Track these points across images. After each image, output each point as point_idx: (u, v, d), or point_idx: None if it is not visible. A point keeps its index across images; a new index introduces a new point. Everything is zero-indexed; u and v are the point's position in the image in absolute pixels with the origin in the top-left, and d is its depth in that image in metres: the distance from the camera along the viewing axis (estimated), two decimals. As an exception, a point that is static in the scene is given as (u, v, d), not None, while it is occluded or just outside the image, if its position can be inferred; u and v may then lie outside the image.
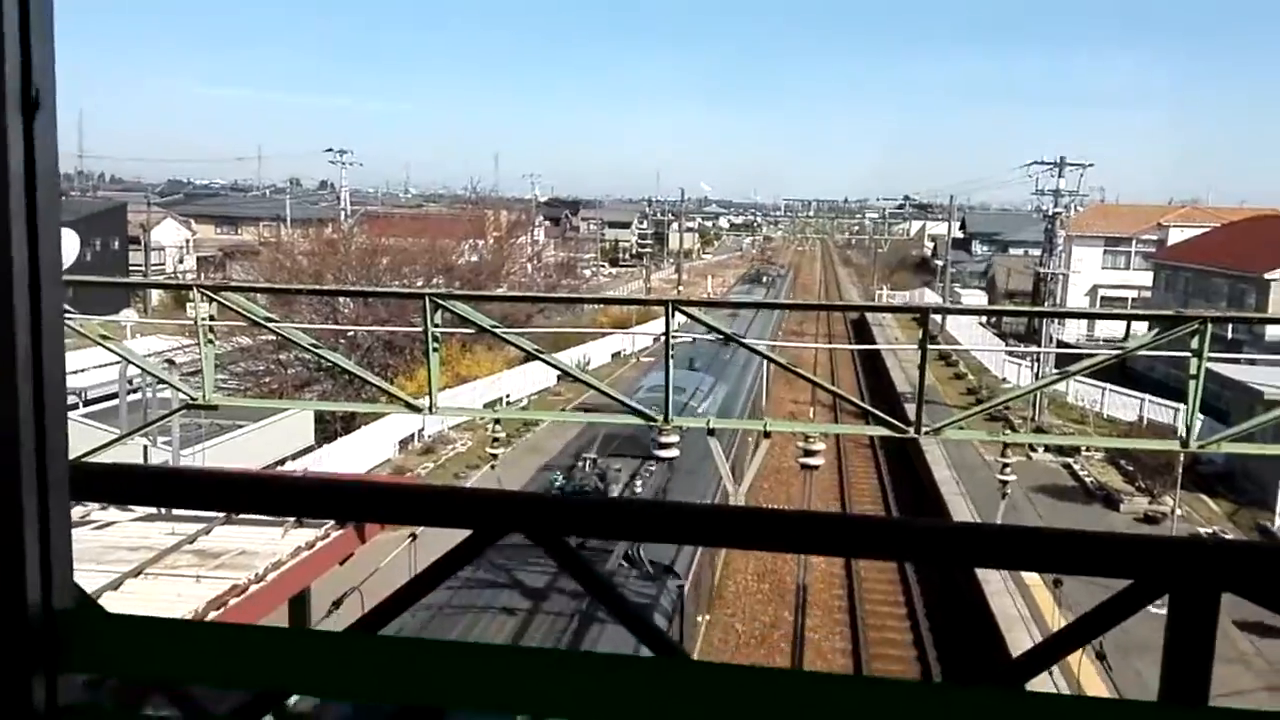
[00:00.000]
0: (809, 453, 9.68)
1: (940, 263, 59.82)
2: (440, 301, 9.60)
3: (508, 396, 33.74)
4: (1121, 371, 33.83)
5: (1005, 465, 9.96)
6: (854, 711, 1.45)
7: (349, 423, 30.10)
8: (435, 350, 9.84)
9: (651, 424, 9.74)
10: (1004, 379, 38.44)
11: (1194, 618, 1.76)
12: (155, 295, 58.39)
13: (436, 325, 9.63)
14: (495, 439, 10.57)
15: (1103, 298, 50.60)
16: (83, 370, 29.78)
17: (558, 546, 1.99)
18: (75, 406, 30.10)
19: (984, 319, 51.14)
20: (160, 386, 18.14)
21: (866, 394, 40.08)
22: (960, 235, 76.22)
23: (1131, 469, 25.45)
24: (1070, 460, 27.55)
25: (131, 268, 58.98)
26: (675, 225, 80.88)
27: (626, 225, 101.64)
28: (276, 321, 10.12)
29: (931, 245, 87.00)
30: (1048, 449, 28.60)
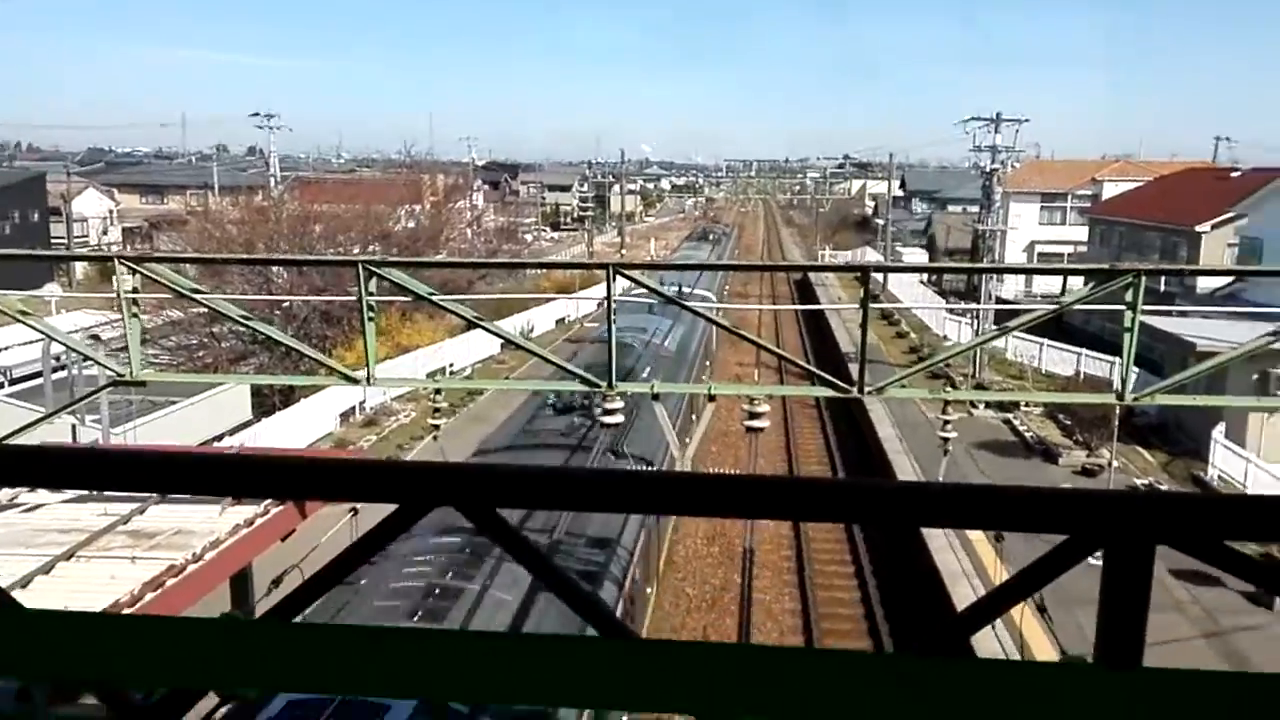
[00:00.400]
0: (754, 415, 9.58)
1: (881, 221, 60.22)
2: (374, 269, 9.25)
3: (451, 366, 33.25)
4: (1058, 327, 34.41)
5: (946, 423, 9.97)
6: (798, 685, 1.35)
7: (288, 396, 29.41)
8: (371, 319, 9.51)
9: (594, 389, 9.54)
10: (945, 337, 38.89)
11: (1128, 570, 1.76)
12: (80, 269, 56.50)
13: (371, 294, 9.29)
14: (436, 409, 10.31)
15: (1039, 254, 51.38)
16: (5, 349, 28.65)
17: (490, 520, 1.84)
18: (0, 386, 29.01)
19: (925, 277, 51.65)
20: (87, 363, 17.44)
21: (811, 355, 40.34)
22: (900, 194, 76.79)
23: (1069, 423, 25.92)
24: (1010, 416, 27.99)
25: (53, 240, 56.86)
26: (616, 188, 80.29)
27: (567, 188, 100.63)
28: (204, 293, 9.68)
29: (873, 204, 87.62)
30: (988, 405, 29.04)
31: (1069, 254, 48.99)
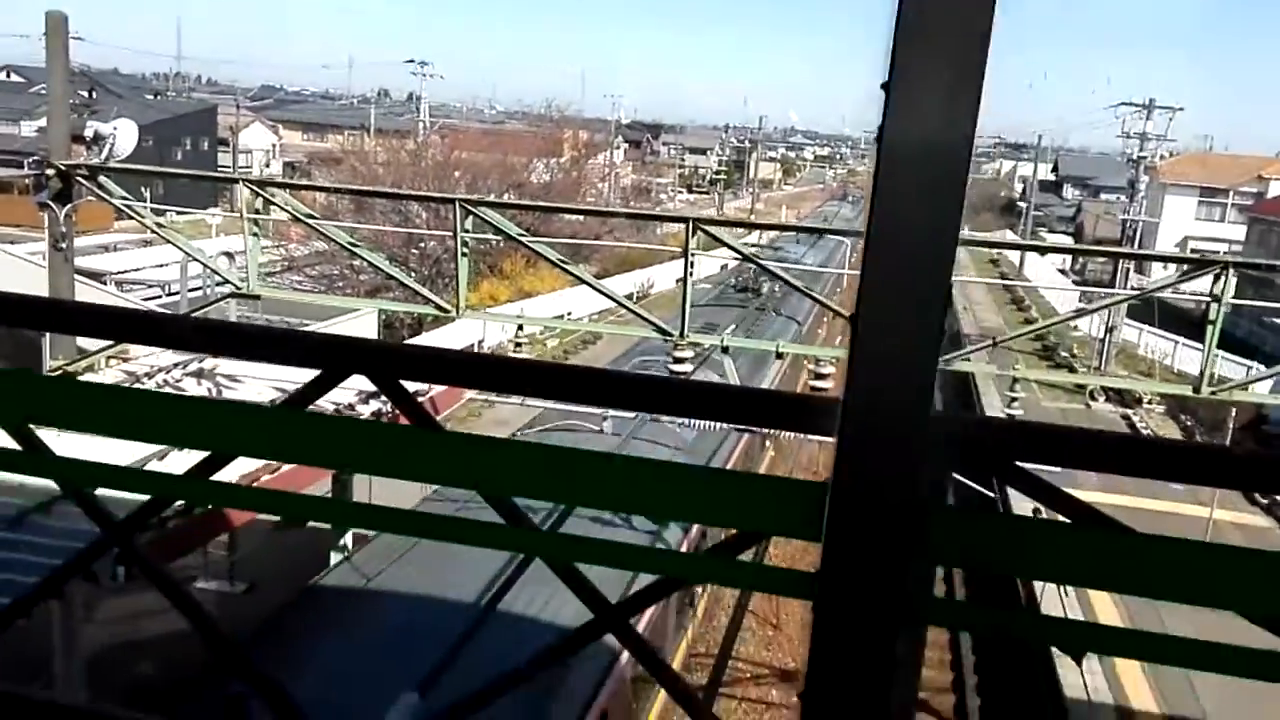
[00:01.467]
0: (819, 375, 9.85)
1: (1022, 204, 58.08)
2: (470, 208, 9.91)
3: (569, 313, 34.20)
4: (1200, 326, 32.79)
5: (1013, 399, 10.00)
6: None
7: (416, 329, 30.94)
8: (464, 255, 10.18)
9: (667, 339, 10.00)
10: (1074, 326, 37.51)
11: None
12: (244, 194, 60.15)
13: (467, 231, 9.96)
14: (518, 344, 10.96)
15: (1191, 249, 48.72)
16: (164, 264, 31.14)
17: (395, 389, 2.32)
18: (158, 296, 31.59)
19: (1065, 264, 49.75)
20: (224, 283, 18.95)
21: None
22: (1052, 178, 73.75)
23: (1190, 424, 24.92)
24: (1130, 412, 27.08)
25: (219, 168, 60.63)
26: (755, 154, 79.80)
27: (708, 152, 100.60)
28: (315, 218, 10.56)
29: (1021, 187, 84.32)
30: (1108, 399, 28.13)
31: (1224, 251, 46.31)
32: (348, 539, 13.20)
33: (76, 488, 2.34)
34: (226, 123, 63.78)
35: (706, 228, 9.72)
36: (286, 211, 9.89)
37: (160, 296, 29.17)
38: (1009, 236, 61.04)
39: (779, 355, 9.89)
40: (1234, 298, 10.21)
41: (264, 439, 2.10)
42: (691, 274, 9.77)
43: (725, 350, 9.87)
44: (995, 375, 14.55)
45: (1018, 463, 2.14)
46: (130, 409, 2.21)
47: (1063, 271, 47.77)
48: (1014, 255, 49.80)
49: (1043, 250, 41.50)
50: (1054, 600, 10.95)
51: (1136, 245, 31.71)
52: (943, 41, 1.22)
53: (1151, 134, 29.62)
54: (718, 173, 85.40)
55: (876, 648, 1.31)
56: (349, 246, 10.66)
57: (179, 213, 44.12)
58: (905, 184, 1.26)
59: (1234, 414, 18.01)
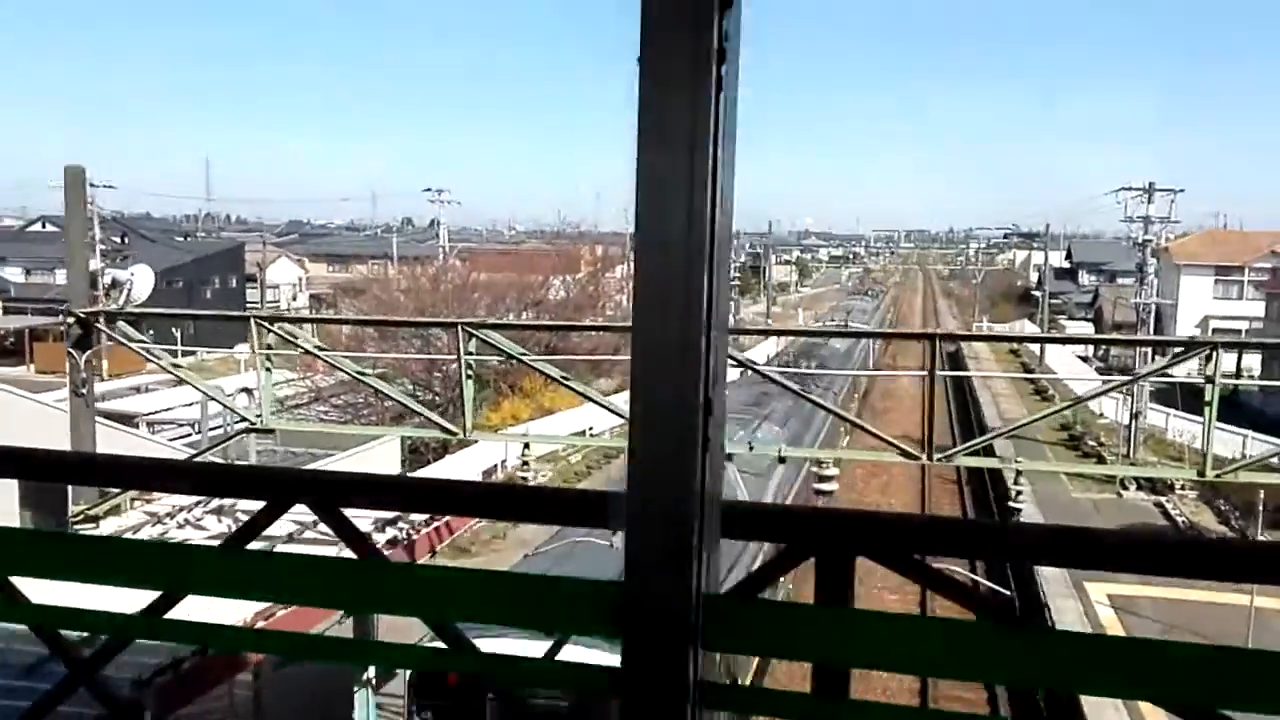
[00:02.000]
0: (822, 478, 9.91)
1: (1037, 293, 58.34)
2: (471, 330, 10.23)
3: (591, 428, 34.41)
4: (1232, 406, 32.49)
5: (1018, 492, 10.00)
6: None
7: (441, 454, 31.17)
8: (469, 377, 10.46)
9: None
10: (1100, 414, 37.22)
11: (834, 574, 2.21)
12: (253, 331, 61.60)
13: (470, 353, 10.26)
14: (525, 463, 11.12)
15: (1214, 329, 48.54)
16: (192, 403, 31.84)
17: (336, 517, 2.50)
18: (187, 435, 32.17)
19: (1088, 352, 49.68)
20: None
21: (957, 426, 39.44)
22: (1066, 265, 74.12)
23: (1225, 508, 24.47)
24: (1163, 499, 26.63)
25: (248, 304, 62.27)
26: (770, 258, 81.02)
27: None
28: (326, 349, 10.93)
29: (1037, 276, 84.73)
30: (1140, 487, 27.75)
31: (1245, 330, 46.10)
32: (370, 673, 13.14)
33: (48, 630, 2.51)
34: (254, 259, 65.78)
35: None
36: (295, 345, 10.26)
37: (190, 434, 29.71)
38: (1027, 326, 61.10)
39: (781, 460, 9.96)
40: (1261, 377, 10.23)
41: (208, 577, 2.27)
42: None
43: (729, 457, 9.97)
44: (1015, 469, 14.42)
45: (915, 555, 2.28)
46: (94, 556, 2.41)
47: (1084, 359, 47.63)
48: (1035, 345, 49.84)
49: (1028, 340, 41.72)
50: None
51: (1152, 328, 31.71)
52: (677, 140, 1.38)
53: (1155, 217, 29.95)
54: (734, 279, 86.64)
55: None
56: (357, 376, 11.00)
57: (208, 351, 45.27)
58: (659, 274, 1.41)
59: (1260, 495, 17.70)
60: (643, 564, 1.43)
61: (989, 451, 29.94)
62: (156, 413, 36.52)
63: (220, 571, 2.12)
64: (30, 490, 10.71)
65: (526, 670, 1.94)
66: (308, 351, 10.52)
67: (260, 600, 2.21)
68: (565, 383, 10.59)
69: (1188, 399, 32.34)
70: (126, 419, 34.54)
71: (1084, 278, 77.88)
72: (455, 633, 2.20)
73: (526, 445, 11.90)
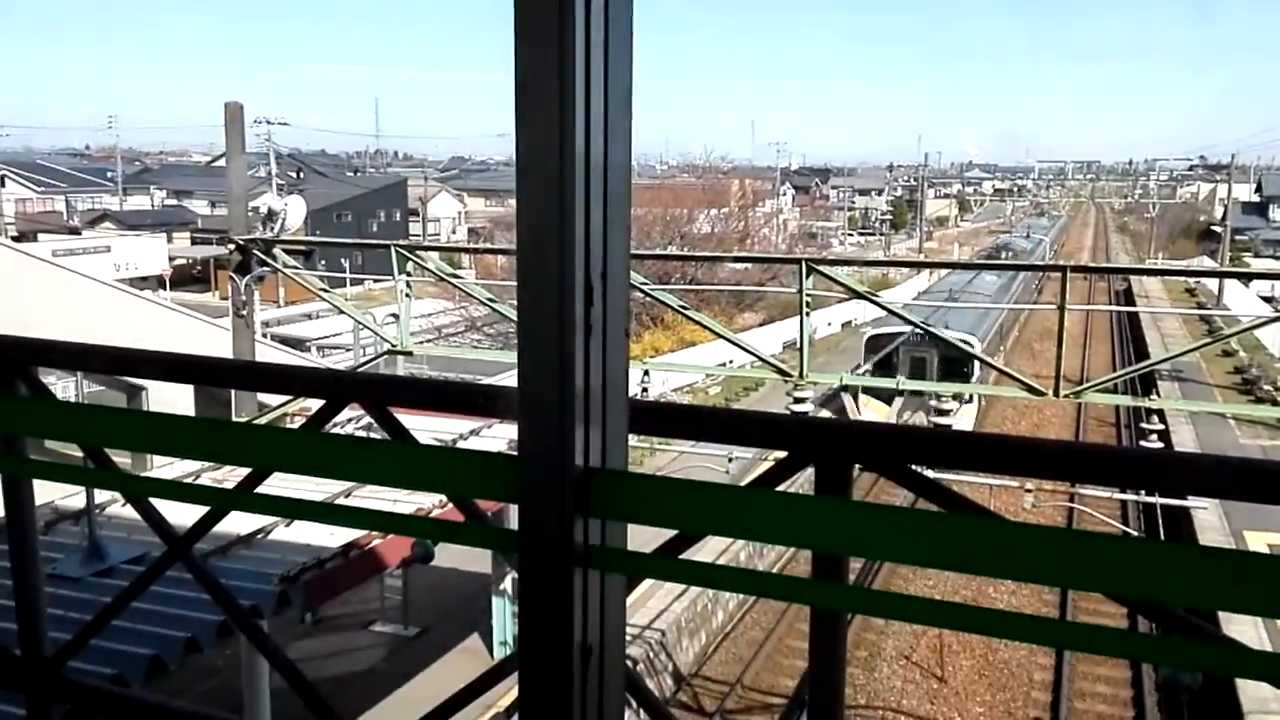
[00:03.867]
0: (940, 411, 9.81)
1: (1220, 229, 54.29)
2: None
3: (731, 361, 34.57)
4: None
5: (1150, 431, 9.63)
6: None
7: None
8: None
9: (787, 379, 10.25)
10: (1278, 357, 34.70)
11: (832, 481, 2.36)
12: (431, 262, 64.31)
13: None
14: (644, 389, 11.44)
15: None
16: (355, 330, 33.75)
17: (386, 415, 2.82)
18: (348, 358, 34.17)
19: (1275, 290, 46.11)
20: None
21: (1120, 368, 37.57)
22: (1256, 199, 68.49)
23: None
24: (1343, 447, 24.77)
25: (412, 236, 64.95)
26: (927, 192, 78.19)
27: (880, 192, 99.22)
28: (460, 279, 11.49)
29: (1223, 210, 78.63)
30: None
31: None
32: (506, 583, 13.94)
33: (139, 499, 2.94)
34: (416, 194, 68.36)
35: (819, 267, 9.96)
36: (431, 272, 10.85)
37: (347, 358, 31.64)
38: (1205, 263, 57.02)
39: (899, 392, 9.92)
40: None
41: (279, 455, 2.63)
42: (808, 313, 10.00)
43: (844, 388, 10.03)
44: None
45: (911, 465, 2.40)
46: (178, 433, 2.80)
47: (1267, 299, 44.26)
48: (1212, 284, 46.64)
49: (1152, 273, 38.82)
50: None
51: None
52: (546, 55, 1.49)
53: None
54: (886, 213, 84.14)
55: (559, 588, 1.65)
56: (487, 302, 11.52)
57: (375, 280, 47.62)
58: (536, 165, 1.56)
59: None
60: (532, 440, 1.65)
61: (1145, 391, 28.49)
62: (326, 338, 38.97)
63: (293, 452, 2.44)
64: (200, 403, 11.81)
65: (448, 528, 2.21)
66: (443, 278, 11.09)
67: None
68: (683, 312, 10.79)
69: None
70: (299, 343, 37.03)
71: (1275, 213, 71.82)
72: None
73: (646, 373, 12.21)
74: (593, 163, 1.57)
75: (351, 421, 8.64)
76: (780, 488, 2.30)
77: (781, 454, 2.44)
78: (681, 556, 2.03)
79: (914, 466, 2.39)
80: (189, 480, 9.12)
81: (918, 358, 20.49)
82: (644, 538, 1.88)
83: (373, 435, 2.81)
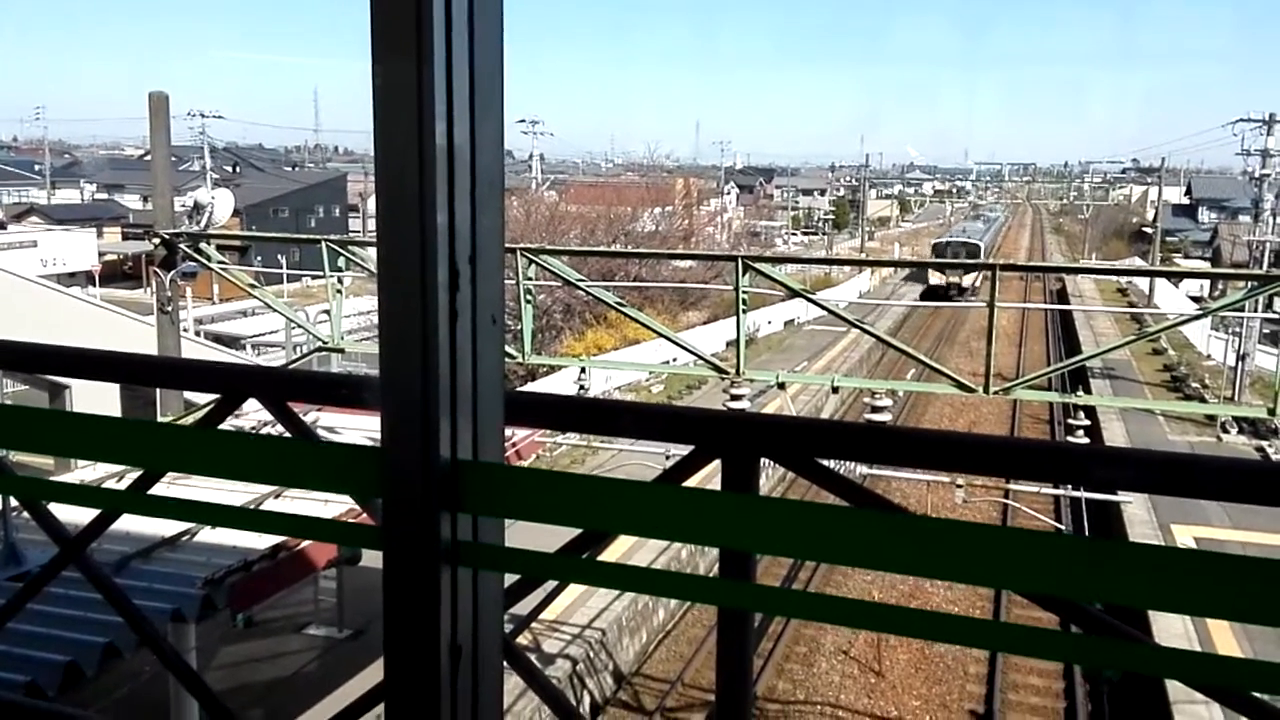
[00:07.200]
0: (875, 409, 9.89)
1: (1151, 231, 55.81)
2: (531, 257, 10.45)
3: (674, 359, 34.61)
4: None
5: (1076, 427, 9.82)
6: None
7: (529, 379, 31.88)
8: (529, 303, 10.71)
9: (724, 376, 10.25)
10: (1208, 355, 35.75)
11: (739, 475, 2.29)
12: (325, 254, 63.52)
13: (529, 279, 10.50)
14: (582, 387, 11.38)
15: (1341, 270, 45.72)
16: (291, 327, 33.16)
17: (283, 410, 2.71)
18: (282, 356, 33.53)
19: (1203, 291, 47.55)
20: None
21: (1053, 364, 38.40)
22: (1185, 201, 70.46)
23: (1329, 454, 23.38)
24: (1265, 444, 25.57)
25: (351, 232, 64.04)
26: (869, 193, 79.15)
27: (823, 192, 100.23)
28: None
29: (1153, 212, 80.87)
30: (1241, 430, 26.69)
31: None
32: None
33: (32, 502, 2.80)
34: (356, 189, 67.38)
35: (756, 265, 9.97)
36: (364, 268, 10.66)
37: (282, 355, 31.09)
38: (1137, 263, 58.51)
39: (834, 389, 9.98)
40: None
41: (173, 456, 2.51)
42: (746, 311, 10.01)
43: (781, 386, 10.05)
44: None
45: (817, 459, 2.35)
46: (77, 433, 2.67)
47: (1196, 299, 45.58)
48: (1143, 284, 47.91)
49: (1068, 271, 39.85)
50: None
51: (1265, 266, 30.14)
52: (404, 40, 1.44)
53: (1275, 150, 28.24)
54: (828, 213, 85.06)
55: (425, 586, 1.58)
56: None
57: (313, 276, 46.93)
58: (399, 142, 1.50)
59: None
60: (394, 432, 1.57)
61: (1077, 388, 29.05)
62: (261, 335, 38.24)
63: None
64: (125, 403, 11.47)
65: (308, 525, 2.13)
66: (374, 274, 10.91)
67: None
68: (621, 309, 10.75)
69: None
70: (233, 341, 36.28)
71: (1204, 215, 73.99)
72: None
73: (583, 370, 12.15)
74: (456, 146, 1.50)
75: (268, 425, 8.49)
76: (688, 483, 2.24)
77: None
78: (603, 557, 1.97)
79: (821, 460, 2.35)
80: (109, 483, 8.84)
81: None
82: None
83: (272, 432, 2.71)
